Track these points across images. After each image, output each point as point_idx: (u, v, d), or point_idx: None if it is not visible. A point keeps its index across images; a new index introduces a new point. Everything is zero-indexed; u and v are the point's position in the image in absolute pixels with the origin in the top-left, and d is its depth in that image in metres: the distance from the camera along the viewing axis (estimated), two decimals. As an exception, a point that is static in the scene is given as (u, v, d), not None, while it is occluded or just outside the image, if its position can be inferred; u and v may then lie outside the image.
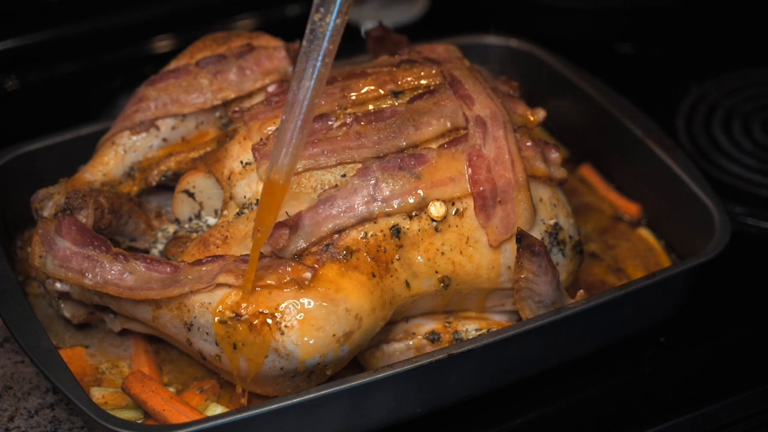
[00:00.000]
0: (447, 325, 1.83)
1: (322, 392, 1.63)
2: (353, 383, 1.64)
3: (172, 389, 1.82)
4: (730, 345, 1.98)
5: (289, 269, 1.67)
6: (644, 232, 2.13)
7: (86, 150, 2.00)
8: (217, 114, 1.98)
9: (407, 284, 1.76)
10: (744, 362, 1.94)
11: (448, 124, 1.79)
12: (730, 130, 2.40)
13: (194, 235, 1.87)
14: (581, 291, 1.80)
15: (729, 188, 2.26)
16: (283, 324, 1.65)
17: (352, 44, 2.67)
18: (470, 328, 1.82)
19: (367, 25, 2.75)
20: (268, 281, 1.66)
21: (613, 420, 1.84)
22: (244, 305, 1.66)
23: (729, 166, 2.31)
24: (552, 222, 1.82)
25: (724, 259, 1.86)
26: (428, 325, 1.83)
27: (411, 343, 1.81)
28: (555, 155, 1.86)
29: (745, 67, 2.60)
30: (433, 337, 1.81)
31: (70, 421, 1.80)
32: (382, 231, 1.74)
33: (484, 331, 1.80)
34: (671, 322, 1.94)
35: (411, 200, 1.74)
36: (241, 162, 1.82)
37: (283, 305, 1.65)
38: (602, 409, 1.86)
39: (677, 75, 2.62)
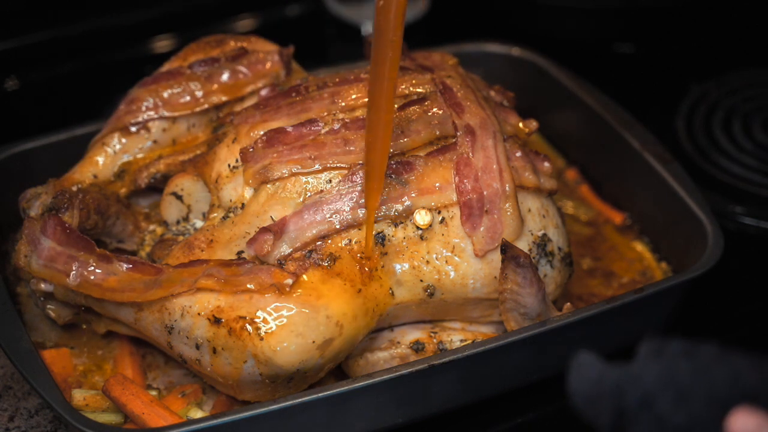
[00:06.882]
0: (432, 334, 1.81)
1: (301, 399, 1.61)
2: (332, 391, 1.62)
3: (154, 393, 1.82)
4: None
5: (270, 275, 1.66)
6: (638, 245, 2.11)
7: (81, 150, 2.00)
8: (209, 117, 1.98)
9: (391, 292, 1.74)
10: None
11: (437, 132, 1.78)
12: (730, 130, 2.38)
13: (181, 237, 1.87)
14: (568, 304, 1.78)
15: (729, 188, 2.25)
16: (262, 330, 1.63)
17: (352, 45, 2.67)
18: (455, 339, 1.80)
19: (368, 26, 2.74)
20: (249, 286, 1.65)
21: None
22: (224, 310, 1.65)
23: (729, 166, 2.29)
24: (540, 233, 1.79)
25: (722, 261, 1.84)
26: (413, 335, 1.81)
27: (395, 352, 1.80)
28: (545, 166, 1.84)
29: (745, 67, 2.58)
30: (418, 346, 1.79)
31: (70, 422, 1.79)
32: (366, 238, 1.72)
33: (468, 341, 1.78)
34: (670, 327, 1.92)
35: (396, 207, 1.72)
36: (229, 165, 1.81)
37: (263, 311, 1.64)
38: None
39: (677, 75, 2.61)
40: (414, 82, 1.84)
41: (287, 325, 1.64)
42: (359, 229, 1.72)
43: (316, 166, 1.74)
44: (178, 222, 1.90)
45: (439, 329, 1.82)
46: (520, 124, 1.89)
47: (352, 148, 1.75)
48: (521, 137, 1.86)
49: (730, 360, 1.09)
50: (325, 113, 1.80)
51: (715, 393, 1.07)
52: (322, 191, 1.73)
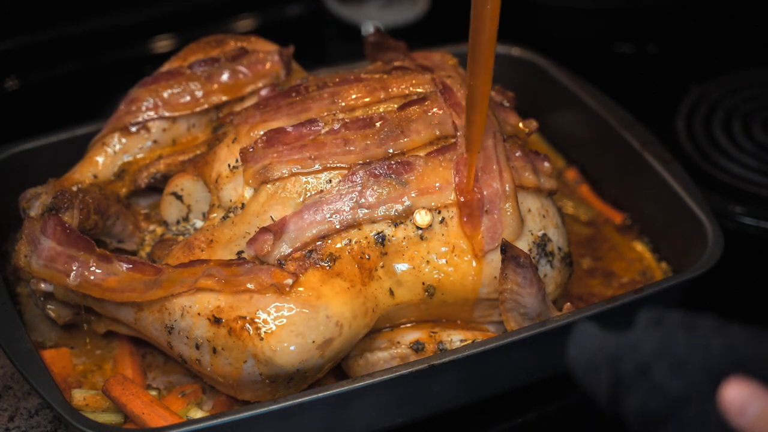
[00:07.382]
0: (432, 334, 1.81)
1: (301, 399, 1.61)
2: (332, 391, 1.62)
3: (154, 393, 1.82)
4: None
5: (270, 275, 1.66)
6: (638, 245, 2.11)
7: (81, 150, 2.00)
8: (209, 117, 1.98)
9: (391, 292, 1.74)
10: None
11: (437, 132, 1.78)
12: (730, 130, 2.38)
13: (181, 237, 1.87)
14: (568, 304, 1.78)
15: (729, 188, 2.24)
16: (262, 330, 1.63)
17: (352, 45, 2.67)
18: (455, 339, 1.80)
19: (368, 26, 2.74)
20: (249, 286, 1.65)
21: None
22: (224, 310, 1.65)
23: (729, 166, 2.29)
24: (540, 233, 1.80)
25: (722, 261, 1.85)
26: (413, 335, 1.81)
27: (395, 352, 1.80)
28: (545, 166, 1.84)
29: (745, 67, 2.58)
30: (418, 346, 1.79)
31: (70, 422, 1.79)
32: (366, 238, 1.73)
33: (468, 341, 1.78)
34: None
35: (396, 207, 1.72)
36: (229, 165, 1.81)
37: (263, 311, 1.64)
38: (587, 422, 1.85)
39: (677, 75, 2.61)
40: (414, 82, 1.84)
41: (287, 325, 1.64)
42: (359, 229, 1.72)
43: (316, 166, 1.74)
44: (178, 222, 1.90)
45: (439, 329, 1.82)
46: (520, 124, 1.89)
47: (352, 148, 1.75)
48: (521, 137, 1.86)
49: (727, 332, 1.10)
50: (325, 113, 1.80)
51: (711, 363, 1.09)
52: (322, 191, 1.73)
